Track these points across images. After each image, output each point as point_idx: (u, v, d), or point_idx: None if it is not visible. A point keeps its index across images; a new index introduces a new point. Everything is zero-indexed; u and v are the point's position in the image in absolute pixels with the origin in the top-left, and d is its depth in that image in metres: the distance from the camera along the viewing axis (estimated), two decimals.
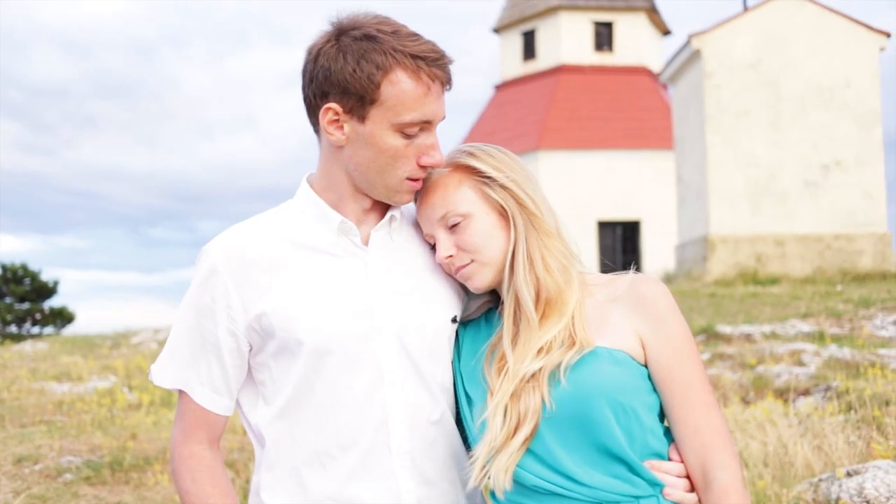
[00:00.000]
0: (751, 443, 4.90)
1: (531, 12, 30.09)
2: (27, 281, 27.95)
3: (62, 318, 27.57)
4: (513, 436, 1.66)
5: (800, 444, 4.68)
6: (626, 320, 1.72)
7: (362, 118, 1.71)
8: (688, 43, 17.63)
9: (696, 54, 17.54)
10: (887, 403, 5.33)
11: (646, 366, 1.72)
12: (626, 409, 1.66)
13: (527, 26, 30.50)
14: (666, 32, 31.65)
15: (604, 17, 29.74)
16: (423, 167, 1.76)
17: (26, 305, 27.46)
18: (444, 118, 1.78)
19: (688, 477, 1.71)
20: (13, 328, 26.74)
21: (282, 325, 1.73)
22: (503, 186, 1.77)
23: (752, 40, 17.26)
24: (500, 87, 31.10)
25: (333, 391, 1.73)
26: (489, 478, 1.67)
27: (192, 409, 1.80)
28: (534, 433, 1.66)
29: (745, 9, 17.86)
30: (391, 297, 1.78)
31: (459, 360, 1.85)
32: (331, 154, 1.79)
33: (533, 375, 1.67)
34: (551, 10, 29.54)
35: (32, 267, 28.22)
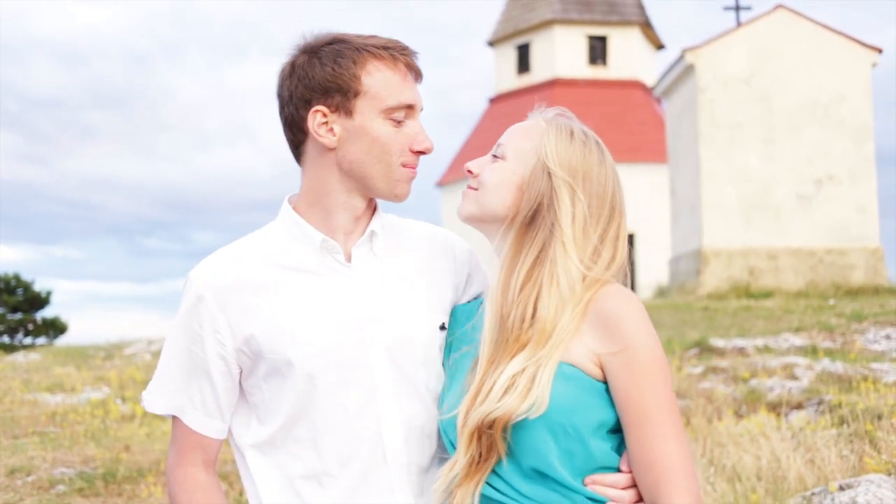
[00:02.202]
0: (744, 456, 4.91)
1: (525, 26, 30.21)
2: (20, 291, 27.87)
3: (55, 328, 27.50)
4: (474, 472, 1.63)
5: (793, 458, 4.70)
6: (587, 336, 1.62)
7: (350, 112, 1.76)
8: (681, 57, 17.73)
9: (689, 69, 17.63)
10: (880, 417, 5.35)
11: (605, 381, 1.62)
12: (566, 429, 1.58)
13: (521, 40, 30.62)
14: (660, 47, 31.80)
15: (598, 31, 29.88)
16: (415, 153, 1.80)
17: (19, 316, 27.38)
18: (423, 109, 1.84)
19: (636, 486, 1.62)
20: (5, 339, 26.66)
21: (270, 347, 1.74)
22: (548, 173, 1.71)
23: (745, 55, 17.36)
24: (495, 101, 31.20)
25: (327, 409, 1.74)
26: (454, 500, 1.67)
27: (186, 433, 1.81)
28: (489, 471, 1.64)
29: (739, 24, 17.98)
30: (378, 311, 1.79)
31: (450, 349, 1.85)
32: (321, 161, 1.81)
33: (493, 422, 1.59)
34: (546, 24, 29.66)
35: (25, 277, 28.19)
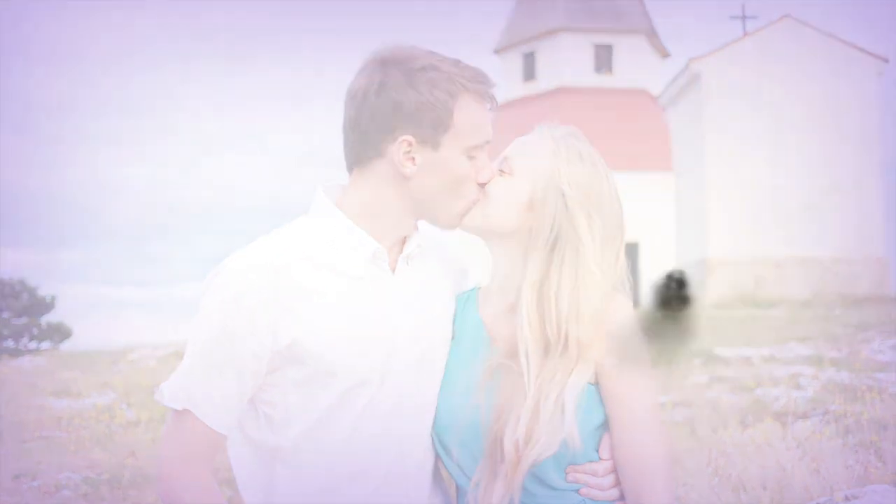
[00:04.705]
0: (749, 466, 4.91)
1: (531, 34, 30.23)
2: (25, 295, 27.90)
3: (59, 333, 27.50)
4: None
5: (798, 468, 4.69)
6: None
7: (436, 146, 1.72)
8: (688, 66, 17.75)
9: (695, 77, 17.65)
10: (885, 428, 5.34)
11: (594, 382, 1.72)
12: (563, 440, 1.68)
13: (527, 48, 30.63)
14: (665, 55, 31.80)
15: (604, 39, 29.87)
16: (479, 184, 1.80)
17: (24, 320, 27.41)
18: None
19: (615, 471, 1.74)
20: (10, 343, 26.68)
21: (313, 356, 1.69)
22: (562, 194, 1.75)
23: (751, 64, 17.37)
24: (500, 108, 31.10)
25: (357, 421, 1.73)
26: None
27: (199, 430, 1.69)
28: None
29: (745, 33, 18.00)
30: (413, 326, 1.80)
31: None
32: (390, 183, 1.75)
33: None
34: (552, 32, 29.68)
35: (30, 281, 28.19)
